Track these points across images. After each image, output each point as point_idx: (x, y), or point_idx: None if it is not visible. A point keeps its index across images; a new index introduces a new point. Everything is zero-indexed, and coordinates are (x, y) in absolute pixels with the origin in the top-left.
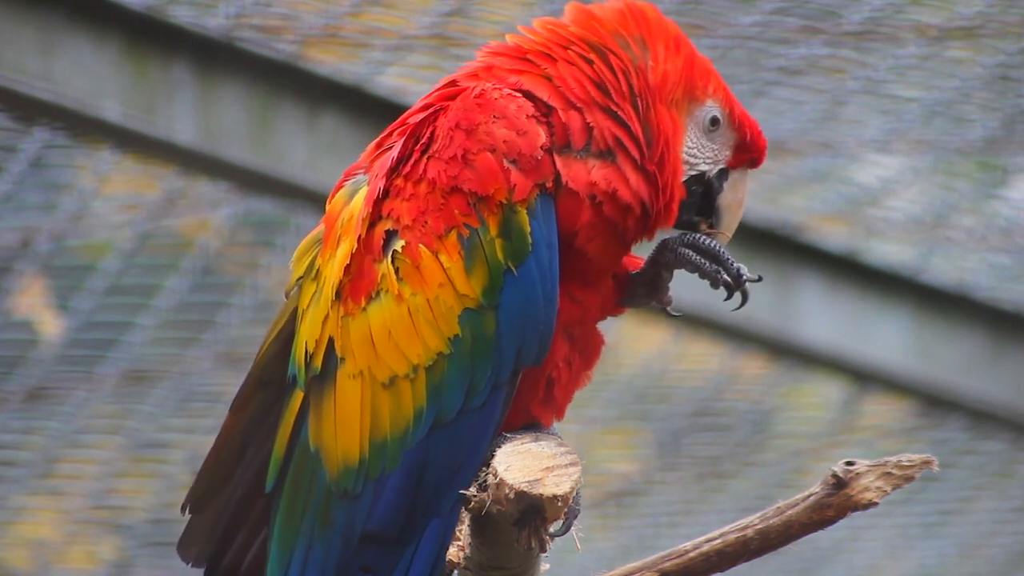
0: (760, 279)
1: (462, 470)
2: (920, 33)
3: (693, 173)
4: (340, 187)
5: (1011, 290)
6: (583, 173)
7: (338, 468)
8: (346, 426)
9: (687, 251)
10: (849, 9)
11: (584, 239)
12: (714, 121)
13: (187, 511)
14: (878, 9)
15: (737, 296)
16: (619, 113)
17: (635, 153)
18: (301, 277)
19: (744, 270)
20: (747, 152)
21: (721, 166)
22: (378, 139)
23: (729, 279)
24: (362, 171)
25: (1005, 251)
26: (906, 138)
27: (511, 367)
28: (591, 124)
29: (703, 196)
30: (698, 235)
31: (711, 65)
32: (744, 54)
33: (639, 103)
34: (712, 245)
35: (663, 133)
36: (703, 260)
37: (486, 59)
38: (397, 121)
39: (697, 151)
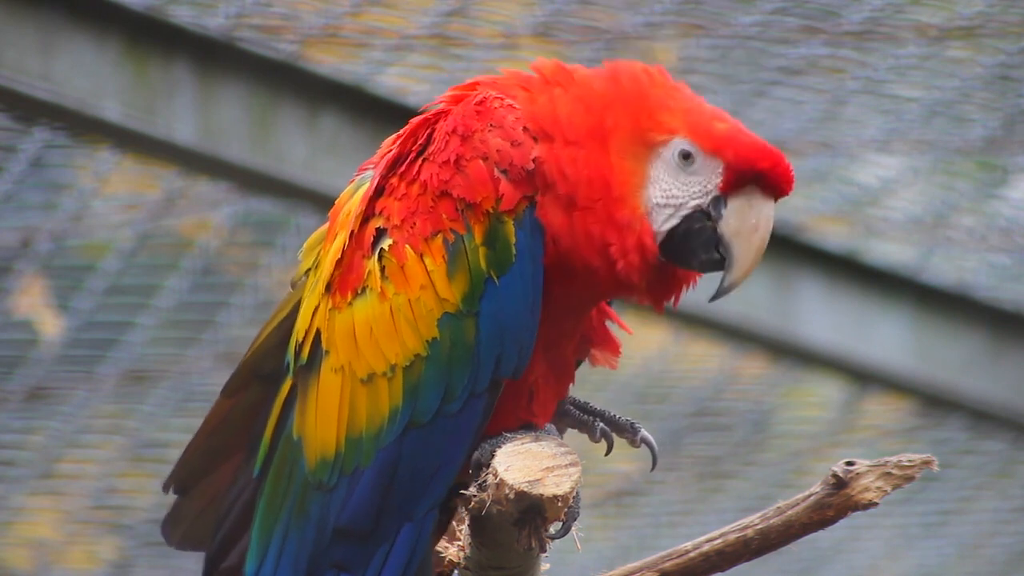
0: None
1: (437, 475)
2: (920, 33)
3: (685, 212)
4: (352, 182)
5: (1011, 290)
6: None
7: (316, 459)
8: (325, 418)
9: (570, 408)
10: (849, 9)
11: (558, 256)
12: (685, 155)
13: (170, 491)
14: (878, 9)
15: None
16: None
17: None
18: (309, 268)
19: (641, 427)
20: (738, 172)
21: (713, 195)
22: (395, 135)
23: (607, 427)
24: (372, 166)
25: (1005, 251)
26: (906, 138)
27: (489, 376)
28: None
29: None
30: (588, 401)
31: (678, 96)
32: (744, 54)
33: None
34: (597, 408)
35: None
36: (585, 416)
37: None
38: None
39: (674, 190)
